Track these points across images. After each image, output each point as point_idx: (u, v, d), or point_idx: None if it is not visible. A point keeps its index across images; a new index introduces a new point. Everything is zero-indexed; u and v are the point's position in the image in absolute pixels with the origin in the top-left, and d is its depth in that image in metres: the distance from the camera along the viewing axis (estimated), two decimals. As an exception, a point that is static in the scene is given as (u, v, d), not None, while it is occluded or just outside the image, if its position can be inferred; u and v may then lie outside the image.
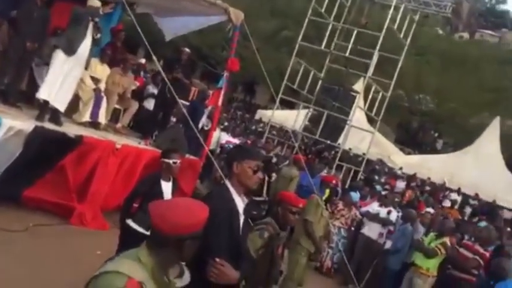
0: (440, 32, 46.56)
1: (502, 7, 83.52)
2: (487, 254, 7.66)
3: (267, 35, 30.95)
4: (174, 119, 10.00)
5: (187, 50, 8.53)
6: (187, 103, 10.93)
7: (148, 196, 4.06)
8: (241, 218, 2.83)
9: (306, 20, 15.66)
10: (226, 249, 2.72)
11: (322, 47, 15.71)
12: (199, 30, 29.39)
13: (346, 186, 11.86)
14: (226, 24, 8.12)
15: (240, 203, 2.84)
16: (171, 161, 4.48)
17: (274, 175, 9.26)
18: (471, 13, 78.07)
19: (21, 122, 5.66)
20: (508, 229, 12.59)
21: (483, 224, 11.53)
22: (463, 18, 74.12)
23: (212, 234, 2.70)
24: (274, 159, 10.68)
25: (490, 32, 68.90)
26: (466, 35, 62.31)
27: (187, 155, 7.60)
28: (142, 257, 1.73)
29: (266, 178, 8.16)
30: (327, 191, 6.42)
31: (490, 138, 20.11)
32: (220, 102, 8.11)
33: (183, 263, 1.99)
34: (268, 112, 18.65)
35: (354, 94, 15.06)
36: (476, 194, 18.06)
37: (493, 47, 45.91)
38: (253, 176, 2.80)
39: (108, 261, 1.74)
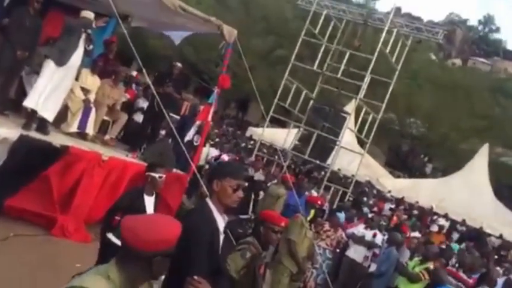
0: (433, 57, 47.15)
1: (495, 36, 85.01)
2: (471, 281, 7.66)
3: (262, 53, 31.17)
4: (163, 133, 9.98)
5: (179, 64, 8.55)
6: (178, 117, 10.95)
7: (130, 210, 4.00)
8: (221, 237, 2.80)
9: (300, 40, 15.81)
10: (206, 267, 2.69)
11: (315, 67, 15.83)
12: (194, 47, 29.55)
13: (334, 207, 11.85)
14: (221, 41, 8.17)
15: (221, 221, 2.81)
16: (156, 175, 4.45)
17: (262, 193, 9.23)
18: (464, 40, 79.28)
19: (7, 130, 5.61)
20: (496, 256, 12.62)
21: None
22: (456, 45, 75.22)
23: (192, 251, 2.68)
24: (263, 178, 10.66)
25: (482, 59, 69.94)
26: (458, 61, 63.15)
27: (174, 170, 7.56)
28: (111, 273, 1.70)
29: (253, 196, 8.13)
30: (312, 212, 6.39)
31: (478, 165, 20.23)
32: (210, 118, 8.11)
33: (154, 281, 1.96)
34: (259, 130, 18.69)
35: (345, 115, 15.15)
36: (464, 220, 18.10)
37: (484, 74, 46.56)
38: (233, 195, 2.77)
39: (76, 276, 1.71)
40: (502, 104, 31.90)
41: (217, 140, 17.69)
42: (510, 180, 25.12)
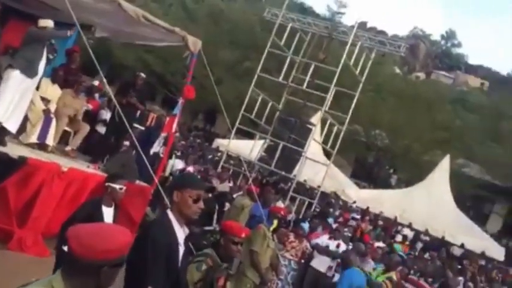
0: (398, 71, 48.28)
1: (457, 50, 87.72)
2: (432, 289, 7.80)
3: (229, 64, 31.27)
4: (127, 143, 9.85)
5: (142, 74, 8.48)
6: (143, 128, 10.83)
7: (88, 221, 3.92)
8: (181, 249, 2.78)
9: (265, 52, 15.94)
10: (163, 280, 2.66)
11: (280, 79, 15.97)
12: (162, 58, 29.36)
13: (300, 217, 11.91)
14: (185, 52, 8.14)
15: (181, 233, 2.79)
16: (116, 186, 4.37)
17: (227, 205, 9.20)
18: (428, 54, 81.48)
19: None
20: (459, 266, 12.88)
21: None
22: (419, 59, 77.19)
23: (149, 264, 2.64)
24: (228, 189, 10.63)
25: (444, 73, 71.98)
26: (422, 75, 64.78)
27: (138, 182, 7.46)
28: (56, 284, 1.65)
29: (217, 207, 8.08)
30: (275, 222, 6.40)
31: (440, 176, 20.72)
32: (174, 129, 8.05)
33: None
34: (225, 141, 18.69)
35: (310, 127, 15.30)
36: (427, 230, 18.47)
37: (446, 87, 47.88)
38: (193, 206, 2.76)
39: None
40: (462, 116, 32.85)
41: (183, 151, 17.59)
42: (471, 190, 25.79)
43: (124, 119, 6.30)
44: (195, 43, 7.68)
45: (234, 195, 10.04)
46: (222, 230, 3.74)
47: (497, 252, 18.79)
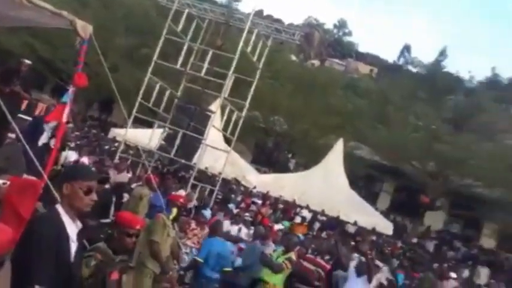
0: (294, 58, 49.74)
1: (348, 38, 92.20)
2: (328, 266, 8.21)
3: (125, 51, 30.21)
4: (13, 136, 9.16)
5: (27, 61, 7.92)
6: (30, 118, 10.13)
7: (-34, 221, 3.60)
8: (74, 245, 2.65)
9: (162, 39, 15.61)
10: (52, 277, 2.52)
11: (178, 66, 15.74)
12: (50, 44, 27.54)
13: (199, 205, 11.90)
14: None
15: (73, 227, 2.66)
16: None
17: (126, 196, 8.95)
18: (321, 43, 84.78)
19: None
20: (353, 243, 13.64)
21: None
22: (314, 47, 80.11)
23: (35, 261, 2.50)
24: (126, 180, 10.33)
25: (337, 60, 75.39)
26: (317, 62, 67.30)
27: (25, 175, 6.97)
28: None
29: (115, 199, 7.82)
30: (174, 210, 6.35)
31: (334, 158, 21.77)
32: (65, 119, 7.60)
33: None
34: (122, 131, 18.10)
35: (210, 114, 15.29)
36: (323, 210, 19.36)
37: (339, 74, 50.22)
38: (84, 198, 2.65)
39: None
40: (353, 101, 34.69)
41: (78, 142, 16.77)
42: (362, 171, 27.38)
43: (4, 108, 5.82)
44: (84, 28, 7.24)
45: (133, 186, 9.80)
46: (115, 222, 3.60)
47: (386, 227, 20.23)
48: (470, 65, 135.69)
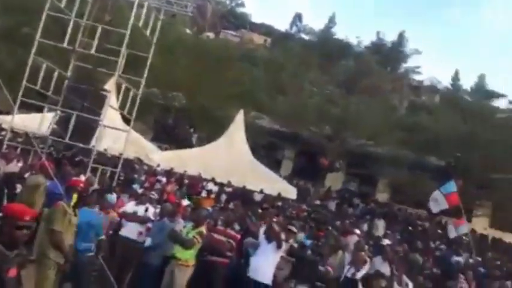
0: (188, 31, 48.88)
1: (241, 9, 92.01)
2: (238, 236, 8.34)
3: (4, 32, 27.81)
4: None
5: None
6: None
7: None
8: None
9: (44, 15, 14.53)
10: None
11: (65, 44, 14.79)
12: None
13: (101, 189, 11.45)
14: None
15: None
16: None
17: (19, 186, 8.35)
18: (215, 14, 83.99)
19: None
20: (260, 210, 13.96)
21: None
22: (207, 19, 79.24)
23: None
24: (17, 169, 9.64)
25: (232, 32, 75.29)
26: (212, 35, 66.72)
27: None
28: None
29: (6, 191, 7.28)
30: (75, 196, 6.04)
31: (236, 130, 22.01)
32: None
33: None
34: (8, 117, 16.74)
35: (105, 93, 14.62)
36: (229, 182, 19.58)
37: (234, 45, 50.29)
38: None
39: None
40: (250, 72, 35.02)
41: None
42: (264, 140, 27.98)
43: None
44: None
45: (26, 175, 9.17)
46: (3, 215, 3.26)
47: (290, 192, 20.99)
48: (358, 31, 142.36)
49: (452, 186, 13.73)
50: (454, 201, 13.49)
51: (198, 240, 7.45)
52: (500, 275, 14.17)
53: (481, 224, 27.89)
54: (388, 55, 55.54)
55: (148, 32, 15.44)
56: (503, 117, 33.40)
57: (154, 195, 9.64)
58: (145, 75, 15.46)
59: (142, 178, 16.99)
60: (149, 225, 8.43)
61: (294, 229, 9.60)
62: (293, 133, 30.04)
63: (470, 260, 15.24)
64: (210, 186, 18.82)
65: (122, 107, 15.73)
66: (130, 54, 15.05)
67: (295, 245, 8.97)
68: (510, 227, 28.34)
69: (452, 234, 17.82)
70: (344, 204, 25.28)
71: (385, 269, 7.70)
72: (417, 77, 56.87)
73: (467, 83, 75.35)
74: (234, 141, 21.29)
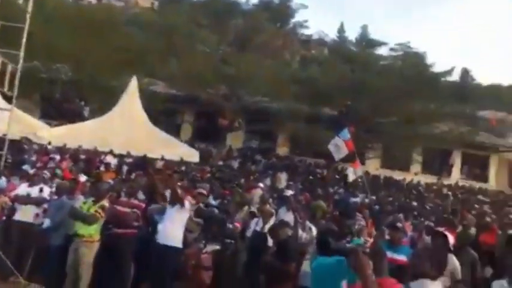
0: (67, -3, 45.65)
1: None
2: (143, 205, 8.22)
3: None
4: None
5: None
6: None
7: None
8: None
9: None
10: None
11: None
12: None
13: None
14: None
15: None
16: None
17: None
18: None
19: None
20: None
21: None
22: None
23: None
24: None
25: (115, -3, 71.60)
26: (94, 0, 62.98)
27: None
28: None
29: None
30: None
31: (130, 98, 21.25)
32: None
33: None
34: None
35: (-23, 70, 13.33)
36: (129, 152, 19.06)
37: (119, 11, 47.89)
38: None
39: None
40: (139, 37, 33.66)
41: None
42: (161, 106, 27.35)
43: None
44: None
45: None
46: None
47: (192, 155, 20.93)
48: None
49: (346, 134, 14.51)
50: (350, 147, 14.31)
51: (101, 215, 7.29)
52: (392, 210, 15.51)
53: (373, 166, 30.04)
54: (276, 11, 56.20)
55: (21, 1, 14.21)
56: (386, 64, 35.53)
57: (47, 174, 9.14)
58: (23, 48, 14.27)
59: (33, 158, 15.98)
60: (45, 206, 8.03)
61: (204, 191, 9.69)
62: (190, 96, 29.71)
63: (366, 200, 16.43)
64: (109, 159, 18.17)
65: (0, 84, 14.48)
66: (4, 26, 13.79)
67: (202, 206, 9.04)
68: (399, 165, 30.89)
69: (351, 177, 19.07)
70: (247, 162, 25.80)
71: (289, 218, 8.04)
72: (306, 31, 58.46)
73: (352, 34, 78.92)
74: (129, 110, 20.58)
